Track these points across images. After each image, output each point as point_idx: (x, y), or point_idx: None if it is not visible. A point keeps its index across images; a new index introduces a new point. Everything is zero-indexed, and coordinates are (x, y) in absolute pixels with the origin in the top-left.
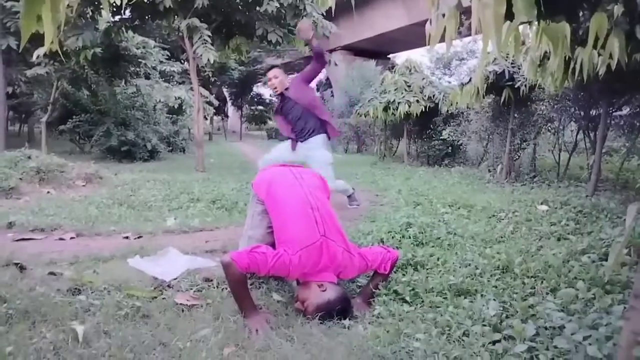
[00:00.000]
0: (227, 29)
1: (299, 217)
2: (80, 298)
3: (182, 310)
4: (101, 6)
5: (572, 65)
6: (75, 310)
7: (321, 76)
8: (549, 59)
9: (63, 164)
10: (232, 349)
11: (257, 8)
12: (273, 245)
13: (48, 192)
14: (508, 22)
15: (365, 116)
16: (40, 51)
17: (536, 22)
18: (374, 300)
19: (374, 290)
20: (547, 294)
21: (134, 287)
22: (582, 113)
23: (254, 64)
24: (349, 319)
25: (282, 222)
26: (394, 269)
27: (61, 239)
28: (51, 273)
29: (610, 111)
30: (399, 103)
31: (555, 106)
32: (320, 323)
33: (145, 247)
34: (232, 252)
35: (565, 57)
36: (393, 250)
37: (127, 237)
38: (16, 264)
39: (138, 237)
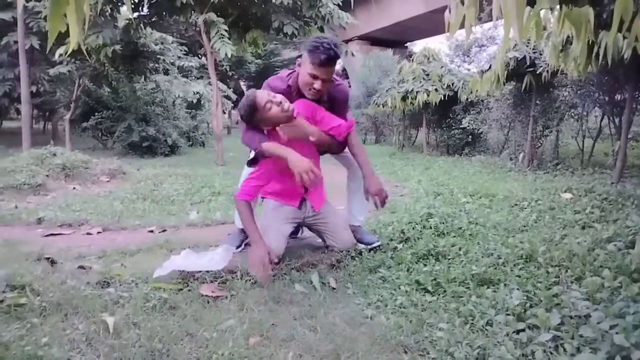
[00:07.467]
0: (244, 22)
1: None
2: (109, 291)
3: (208, 302)
4: (119, 4)
5: (595, 50)
6: (105, 302)
7: (338, 67)
8: (571, 43)
9: (87, 160)
10: (258, 338)
11: (273, 0)
12: None
13: (74, 188)
14: (529, 7)
15: (383, 106)
16: (63, 50)
17: (558, 7)
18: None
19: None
20: (572, 282)
21: (160, 280)
22: (606, 98)
23: (271, 56)
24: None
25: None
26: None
27: (88, 233)
28: (80, 267)
29: (636, 95)
30: (417, 92)
31: (579, 92)
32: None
33: (170, 241)
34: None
35: (588, 41)
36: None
37: (151, 231)
38: (47, 259)
39: (162, 231)
